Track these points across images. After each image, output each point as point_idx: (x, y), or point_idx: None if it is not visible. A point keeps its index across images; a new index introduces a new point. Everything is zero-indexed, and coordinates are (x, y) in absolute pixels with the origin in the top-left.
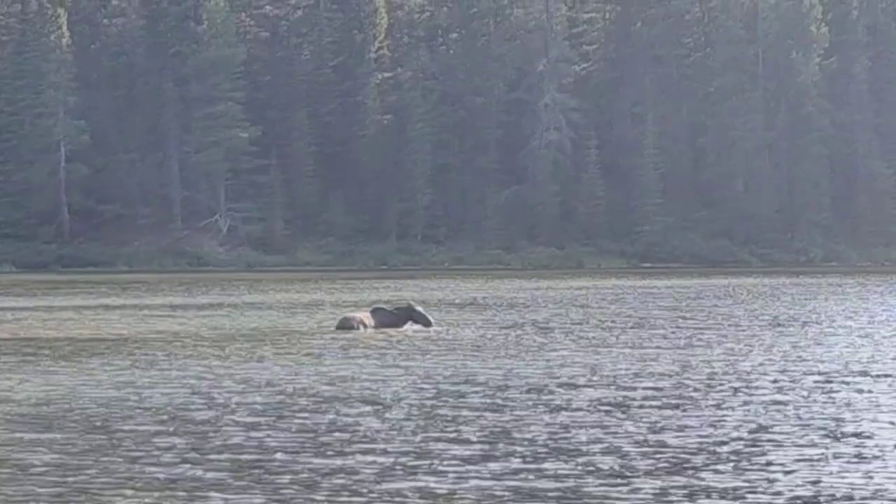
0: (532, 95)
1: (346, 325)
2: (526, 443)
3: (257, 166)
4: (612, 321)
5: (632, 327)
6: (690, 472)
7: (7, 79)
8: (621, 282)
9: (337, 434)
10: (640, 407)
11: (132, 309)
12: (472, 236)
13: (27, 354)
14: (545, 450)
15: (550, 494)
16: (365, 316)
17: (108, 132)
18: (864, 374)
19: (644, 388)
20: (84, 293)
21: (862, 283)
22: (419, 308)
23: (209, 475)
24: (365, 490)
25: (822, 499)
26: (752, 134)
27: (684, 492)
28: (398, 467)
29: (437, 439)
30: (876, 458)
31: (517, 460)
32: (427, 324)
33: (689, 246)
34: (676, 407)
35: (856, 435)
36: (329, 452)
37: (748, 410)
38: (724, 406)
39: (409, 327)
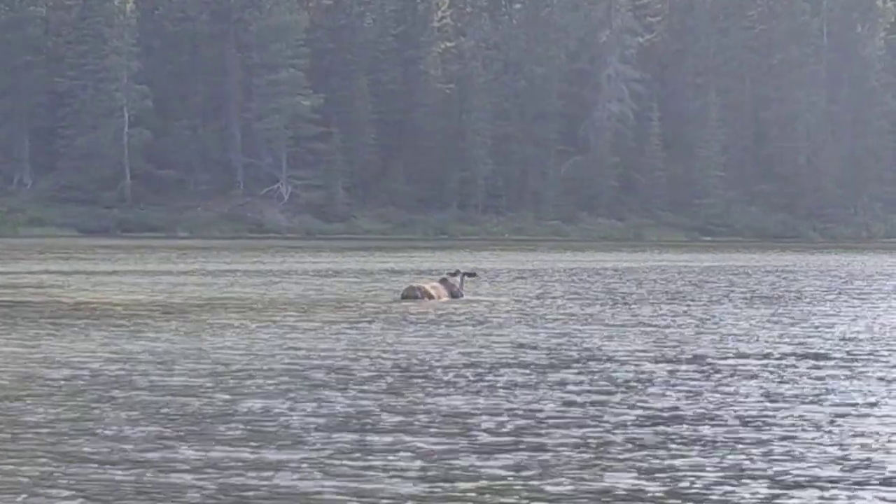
0: (594, 66)
1: (411, 294)
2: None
3: (319, 134)
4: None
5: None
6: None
7: (71, 44)
8: (666, 256)
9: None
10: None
11: (181, 275)
12: (532, 207)
13: (88, 319)
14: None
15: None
16: (432, 286)
17: (170, 98)
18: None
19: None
20: (144, 258)
21: None
22: (455, 278)
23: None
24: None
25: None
26: (815, 107)
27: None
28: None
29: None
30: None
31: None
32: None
33: (751, 220)
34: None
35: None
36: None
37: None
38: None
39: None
